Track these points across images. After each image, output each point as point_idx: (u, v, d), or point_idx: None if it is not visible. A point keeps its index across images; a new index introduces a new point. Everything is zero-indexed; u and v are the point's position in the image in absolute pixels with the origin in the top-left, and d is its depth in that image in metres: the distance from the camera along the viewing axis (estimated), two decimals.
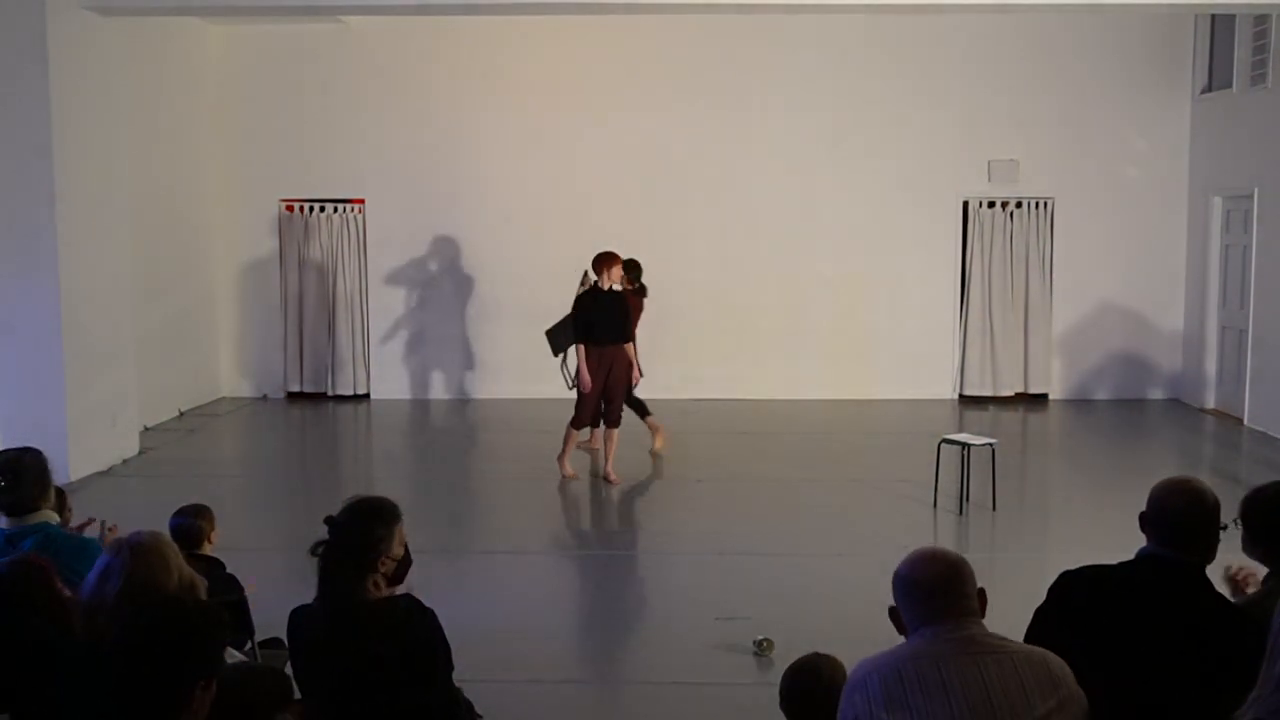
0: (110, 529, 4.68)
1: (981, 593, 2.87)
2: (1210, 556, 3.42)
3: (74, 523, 4.82)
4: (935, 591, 2.82)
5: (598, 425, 9.61)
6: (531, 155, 13.00)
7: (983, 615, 2.87)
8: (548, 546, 8.23)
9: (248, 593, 4.59)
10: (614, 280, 9.20)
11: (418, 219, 13.17)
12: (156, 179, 11.62)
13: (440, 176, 13.08)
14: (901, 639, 2.94)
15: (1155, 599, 3.35)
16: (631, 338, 9.35)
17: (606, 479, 9.30)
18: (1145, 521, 3.52)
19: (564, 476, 9.37)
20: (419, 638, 3.58)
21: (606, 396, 9.26)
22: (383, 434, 12.35)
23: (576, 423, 9.29)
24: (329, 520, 3.62)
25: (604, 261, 9.20)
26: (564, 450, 9.42)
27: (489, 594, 6.85)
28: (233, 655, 4.19)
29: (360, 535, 3.58)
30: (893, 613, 2.93)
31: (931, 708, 2.67)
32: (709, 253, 12.99)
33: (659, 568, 7.71)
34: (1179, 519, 3.43)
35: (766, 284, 13.08)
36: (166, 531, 4.46)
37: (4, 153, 9.08)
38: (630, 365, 9.28)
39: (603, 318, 9.13)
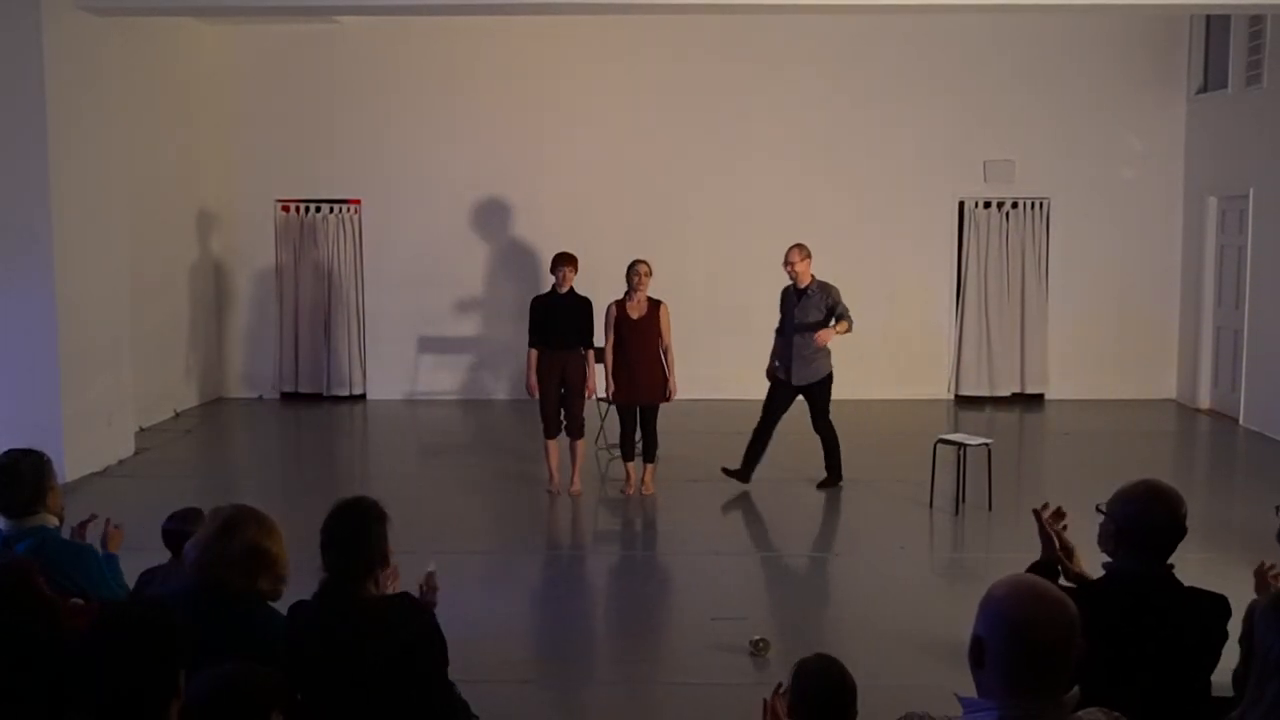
0: (116, 528, 4.67)
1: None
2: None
3: (76, 521, 4.80)
4: (1048, 656, 2.33)
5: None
6: (529, 155, 12.98)
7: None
8: (544, 547, 8.22)
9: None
10: (569, 282, 8.83)
11: (414, 219, 13.16)
12: (152, 180, 11.59)
13: (436, 176, 13.07)
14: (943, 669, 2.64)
15: (1146, 617, 3.27)
16: (590, 344, 8.91)
17: (568, 491, 8.96)
18: (1117, 533, 3.36)
19: (550, 492, 9.05)
20: (416, 637, 3.59)
21: (566, 405, 8.89)
22: (379, 435, 12.34)
23: (546, 432, 8.97)
24: (326, 528, 3.62)
25: (558, 263, 8.85)
26: (549, 467, 9.04)
27: (485, 595, 6.84)
28: None
29: (364, 535, 3.60)
30: (976, 646, 2.39)
31: None
32: (707, 253, 12.98)
33: (657, 568, 7.71)
34: (1160, 533, 3.31)
35: (764, 284, 13.04)
36: (158, 535, 4.46)
37: None
38: (584, 373, 8.83)
39: (556, 322, 8.78)
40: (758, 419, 9.18)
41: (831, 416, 9.15)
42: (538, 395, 8.92)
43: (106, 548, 4.57)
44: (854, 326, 8.92)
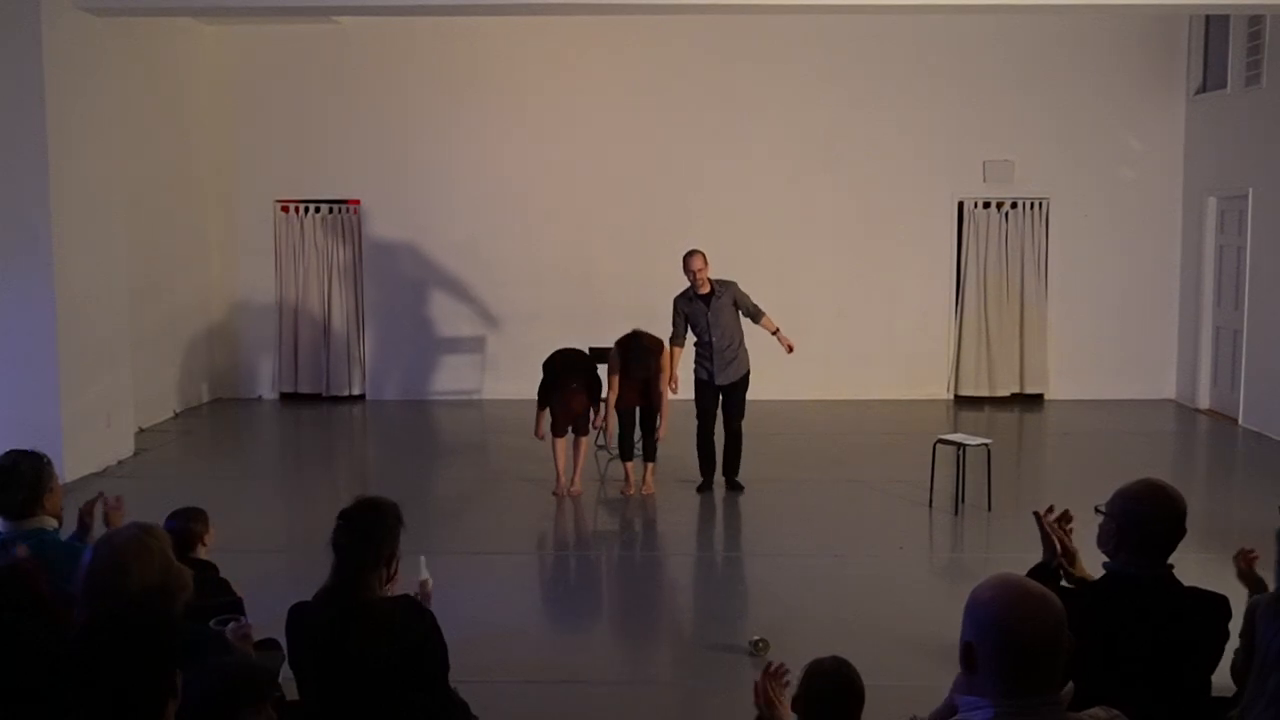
0: (116, 503, 4.67)
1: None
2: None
3: (76, 522, 4.81)
4: (1038, 655, 2.34)
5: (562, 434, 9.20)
6: (528, 156, 12.99)
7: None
8: (544, 547, 8.22)
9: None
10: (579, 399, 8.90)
11: (413, 219, 13.17)
12: (152, 180, 11.60)
13: (435, 177, 13.08)
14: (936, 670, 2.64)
15: (1147, 618, 3.25)
16: (598, 402, 9.05)
17: (569, 492, 9.00)
18: (1118, 532, 3.34)
19: (556, 495, 9.01)
20: (418, 640, 3.59)
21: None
22: (378, 435, 12.34)
23: (554, 430, 8.99)
24: (345, 514, 3.63)
25: (566, 372, 8.87)
26: (557, 467, 9.05)
27: (486, 595, 6.84)
28: None
29: (379, 535, 3.61)
30: (966, 651, 2.40)
31: None
32: (706, 253, 12.94)
33: (656, 568, 7.72)
34: (1161, 531, 3.29)
35: (762, 285, 13.01)
36: None
37: None
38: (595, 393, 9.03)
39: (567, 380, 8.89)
40: (696, 428, 9.12)
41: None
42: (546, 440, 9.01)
43: (109, 526, 4.57)
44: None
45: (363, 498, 3.73)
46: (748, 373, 9.09)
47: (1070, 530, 3.72)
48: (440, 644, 3.65)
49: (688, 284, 8.98)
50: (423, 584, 4.17)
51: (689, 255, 8.89)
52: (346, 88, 13.03)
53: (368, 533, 3.60)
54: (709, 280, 8.91)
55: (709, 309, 8.89)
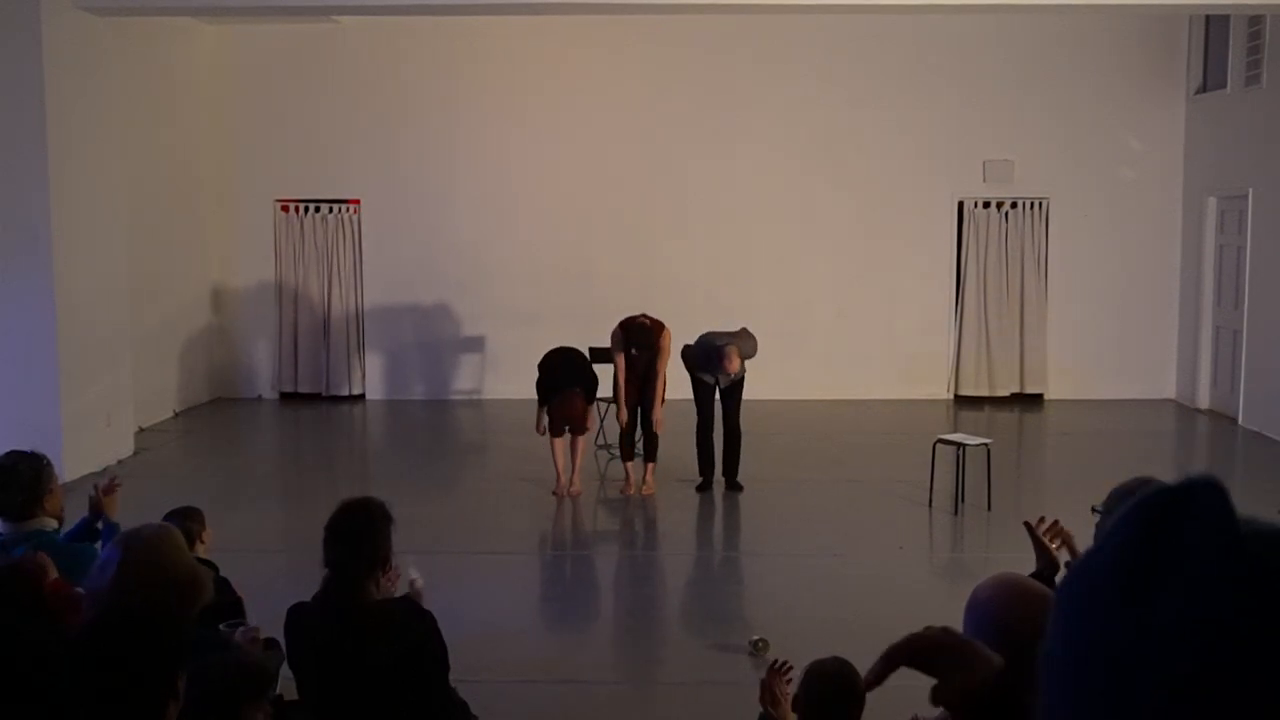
0: (107, 490, 4.66)
1: None
2: None
3: (78, 517, 4.80)
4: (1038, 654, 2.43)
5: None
6: (527, 155, 12.99)
7: None
8: (544, 547, 8.23)
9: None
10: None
11: (413, 219, 13.17)
12: (152, 179, 11.60)
13: (435, 177, 13.07)
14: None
15: None
16: (593, 396, 9.11)
17: (569, 492, 9.00)
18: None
19: (556, 494, 9.01)
20: (418, 641, 3.59)
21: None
22: (378, 435, 12.34)
23: (552, 429, 8.97)
24: (332, 526, 3.62)
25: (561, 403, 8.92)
26: (556, 467, 9.02)
27: (485, 594, 6.84)
28: None
29: (369, 535, 3.60)
30: None
31: None
32: (705, 253, 12.98)
33: (656, 568, 7.72)
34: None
35: (762, 285, 13.08)
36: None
37: None
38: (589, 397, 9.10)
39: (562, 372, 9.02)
40: (695, 426, 9.17)
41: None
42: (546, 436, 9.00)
43: (103, 511, 4.55)
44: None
45: (346, 501, 3.70)
46: (745, 374, 9.16)
47: (1059, 545, 3.69)
48: (440, 644, 3.65)
49: (711, 330, 9.16)
50: (412, 583, 4.16)
51: (726, 358, 8.86)
52: (346, 88, 13.03)
53: (357, 539, 3.59)
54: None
55: (728, 382, 9.06)
